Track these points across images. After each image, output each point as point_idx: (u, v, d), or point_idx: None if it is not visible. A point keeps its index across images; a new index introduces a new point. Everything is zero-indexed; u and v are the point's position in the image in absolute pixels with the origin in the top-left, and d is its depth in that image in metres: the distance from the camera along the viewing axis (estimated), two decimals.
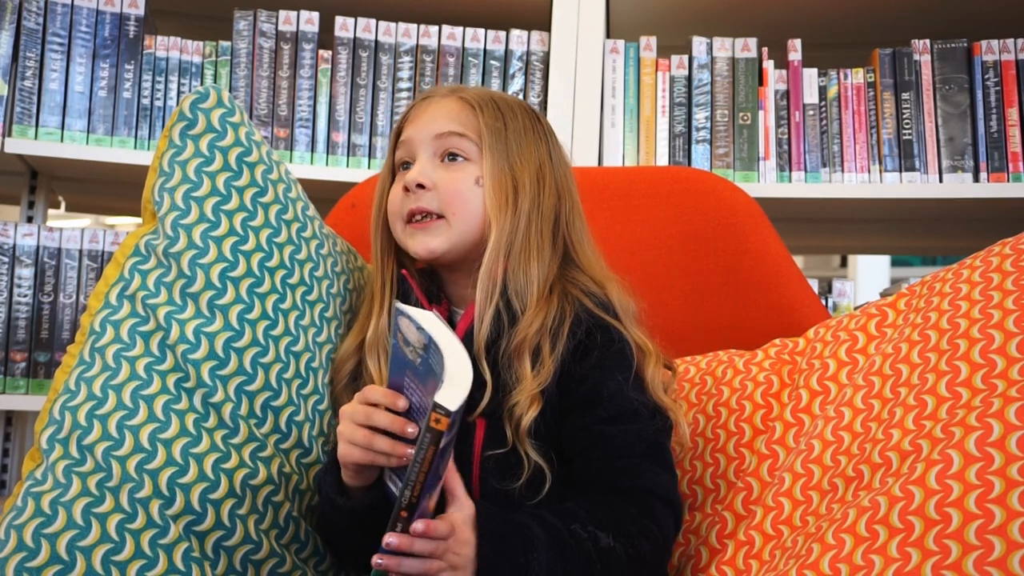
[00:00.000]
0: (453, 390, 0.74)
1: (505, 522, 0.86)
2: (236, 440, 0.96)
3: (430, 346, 0.77)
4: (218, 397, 0.96)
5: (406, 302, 0.92)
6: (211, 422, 0.95)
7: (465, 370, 0.75)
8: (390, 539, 0.79)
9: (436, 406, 0.74)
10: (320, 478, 0.99)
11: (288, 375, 1.01)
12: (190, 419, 0.94)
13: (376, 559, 0.79)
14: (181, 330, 0.96)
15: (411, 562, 0.80)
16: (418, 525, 0.79)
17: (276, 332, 1.01)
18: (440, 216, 1.02)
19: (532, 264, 1.00)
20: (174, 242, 0.99)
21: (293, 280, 1.04)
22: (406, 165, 1.06)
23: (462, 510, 0.84)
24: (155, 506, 0.89)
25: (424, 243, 1.02)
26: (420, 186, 1.01)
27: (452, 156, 1.03)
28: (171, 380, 0.95)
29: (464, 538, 0.83)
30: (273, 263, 1.03)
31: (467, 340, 0.99)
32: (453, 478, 0.85)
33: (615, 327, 0.98)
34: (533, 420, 0.93)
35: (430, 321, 0.79)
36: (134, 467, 0.90)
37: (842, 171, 1.73)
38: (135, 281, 0.99)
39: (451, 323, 1.04)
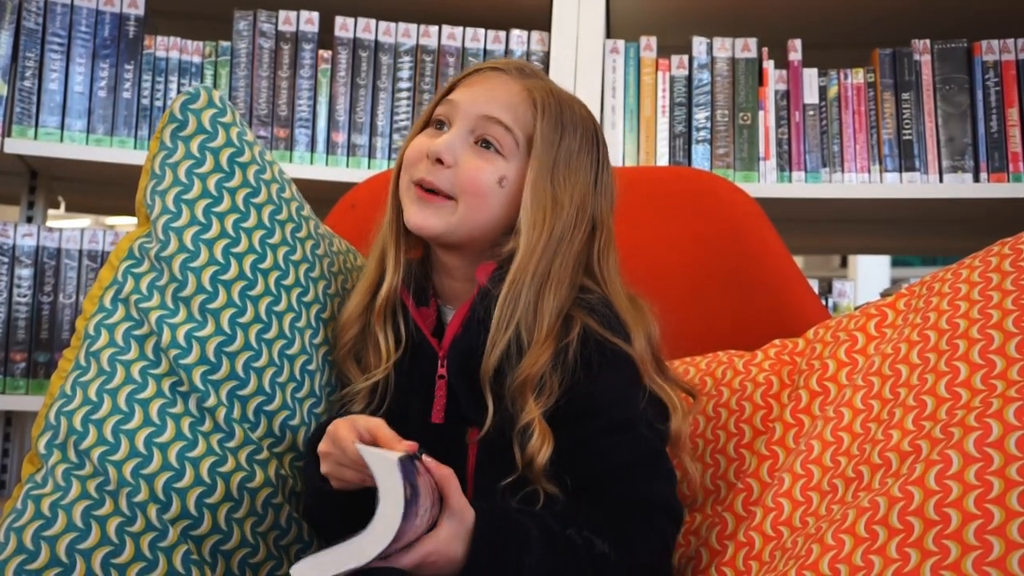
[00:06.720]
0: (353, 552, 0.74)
1: (503, 519, 0.85)
2: (232, 444, 0.95)
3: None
4: (211, 402, 0.95)
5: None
6: (206, 426, 0.95)
7: (380, 538, 0.74)
8: None
9: None
10: (304, 468, 0.97)
11: (282, 379, 1.00)
12: (185, 423, 0.94)
13: None
14: (172, 335, 0.95)
15: None
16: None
17: (269, 335, 1.00)
18: (450, 197, 0.95)
19: (548, 297, 0.93)
20: (165, 246, 0.98)
21: (287, 282, 1.03)
22: (440, 124, 0.99)
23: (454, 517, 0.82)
24: (152, 510, 0.89)
25: (421, 218, 0.96)
26: (439, 161, 0.95)
27: (486, 143, 0.96)
28: (166, 384, 0.95)
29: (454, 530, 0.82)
30: (266, 265, 1.01)
31: (454, 346, 0.97)
32: (449, 485, 0.81)
33: (615, 344, 0.94)
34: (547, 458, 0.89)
35: (382, 469, 0.77)
36: (130, 471, 0.90)
37: (842, 171, 1.73)
38: (128, 284, 0.98)
39: (440, 323, 1.01)
